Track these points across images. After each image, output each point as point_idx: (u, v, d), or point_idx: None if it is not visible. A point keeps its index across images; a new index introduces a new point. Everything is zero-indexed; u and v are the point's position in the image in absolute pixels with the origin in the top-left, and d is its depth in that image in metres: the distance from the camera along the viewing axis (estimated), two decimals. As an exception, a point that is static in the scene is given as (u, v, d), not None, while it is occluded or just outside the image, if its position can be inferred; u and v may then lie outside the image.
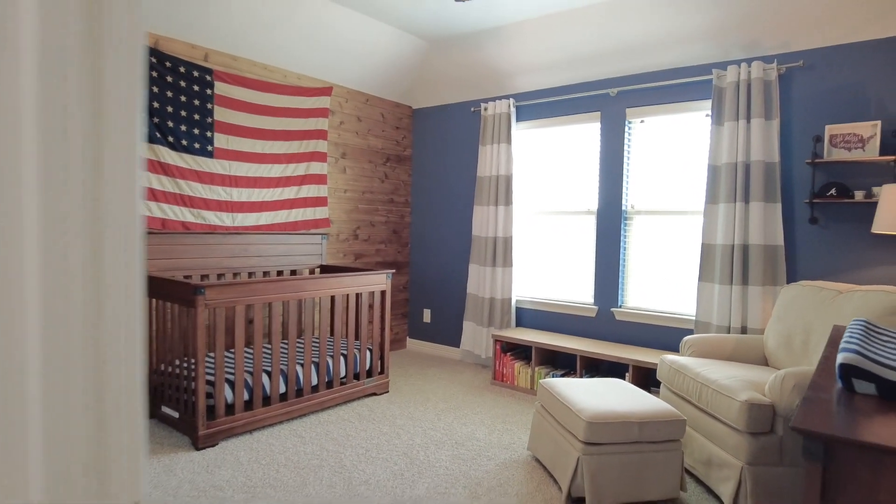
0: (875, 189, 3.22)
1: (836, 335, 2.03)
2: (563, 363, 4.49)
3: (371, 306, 4.65)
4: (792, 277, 3.58)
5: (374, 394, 4.07)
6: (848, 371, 1.34)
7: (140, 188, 0.49)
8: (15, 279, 0.41)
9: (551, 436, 2.79)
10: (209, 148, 3.88)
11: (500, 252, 4.78)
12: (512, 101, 4.74)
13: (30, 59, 0.41)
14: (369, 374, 4.06)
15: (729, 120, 3.65)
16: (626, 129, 4.29)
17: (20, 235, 0.41)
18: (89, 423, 0.46)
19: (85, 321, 0.44)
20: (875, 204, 3.27)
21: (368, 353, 4.05)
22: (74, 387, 0.45)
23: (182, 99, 3.71)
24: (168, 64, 3.64)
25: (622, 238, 4.32)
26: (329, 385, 3.77)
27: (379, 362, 4.11)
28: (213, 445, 3.08)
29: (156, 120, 3.48)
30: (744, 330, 3.60)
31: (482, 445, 3.21)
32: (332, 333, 4.54)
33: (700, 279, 3.77)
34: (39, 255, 0.41)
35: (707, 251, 3.76)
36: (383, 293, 4.13)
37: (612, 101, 4.34)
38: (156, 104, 3.48)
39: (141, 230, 0.51)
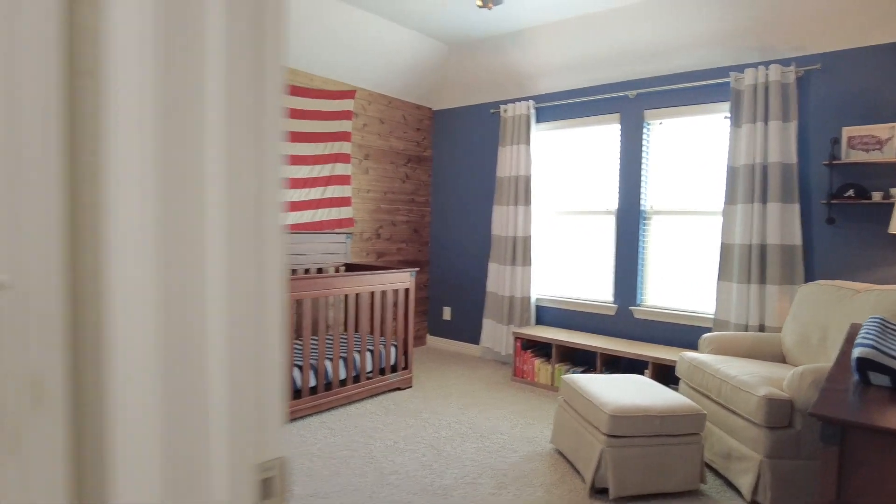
0: (893, 190, 3.28)
1: (853, 332, 2.11)
2: (582, 360, 4.58)
3: (395, 304, 4.78)
4: (809, 277, 3.65)
5: (399, 388, 4.20)
6: (864, 364, 1.43)
7: (283, 201, 0.61)
8: (201, 272, 0.53)
9: (574, 429, 2.89)
10: (240, 150, 4.02)
11: (520, 251, 4.88)
12: (532, 102, 4.83)
13: (218, 96, 0.52)
14: (394, 369, 4.18)
15: (747, 122, 3.72)
16: (645, 130, 4.37)
17: (204, 238, 0.53)
18: (254, 394, 0.58)
19: (250, 309, 0.56)
20: (892, 205, 3.33)
21: (393, 348, 4.18)
22: (246, 363, 0.57)
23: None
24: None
25: (641, 237, 4.40)
26: (356, 379, 3.90)
27: (403, 358, 4.24)
28: (248, 436, 3.22)
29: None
30: (761, 328, 3.67)
31: (506, 439, 3.32)
32: (356, 330, 4.67)
33: (719, 278, 3.85)
34: (224, 252, 0.53)
35: (726, 251, 3.83)
36: (407, 291, 4.25)
37: (630, 102, 4.42)
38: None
39: (285, 235, 0.63)
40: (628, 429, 2.56)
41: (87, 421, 0.56)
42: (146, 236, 0.52)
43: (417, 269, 4.47)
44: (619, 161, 4.49)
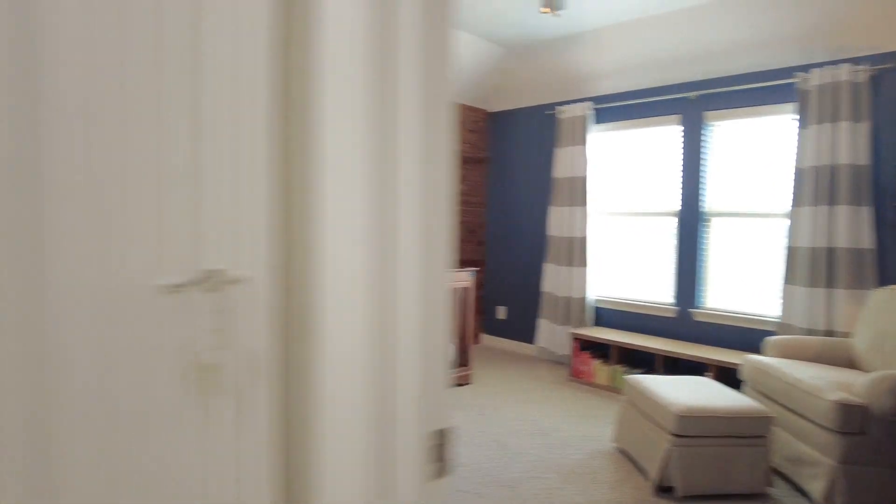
0: (973, 192, 3.18)
1: (933, 337, 2.09)
2: (641, 362, 4.58)
3: (454, 302, 4.90)
4: (883, 281, 3.56)
5: (459, 384, 4.31)
6: (951, 369, 1.45)
7: (453, 205, 0.73)
8: (394, 267, 0.65)
9: (640, 428, 2.93)
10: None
11: (577, 252, 4.92)
12: (590, 104, 4.86)
13: (410, 120, 0.64)
14: (453, 366, 4.30)
15: (814, 123, 3.65)
16: (706, 132, 4.34)
17: (397, 237, 0.65)
18: (432, 371, 0.69)
19: (432, 297, 0.67)
20: (973, 207, 3.22)
21: (452, 346, 4.30)
22: (428, 344, 0.68)
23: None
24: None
25: (701, 239, 4.37)
26: (418, 375, 4.04)
27: (463, 355, 4.35)
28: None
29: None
30: (829, 332, 3.61)
31: (568, 436, 3.38)
32: (416, 327, 4.81)
33: (785, 281, 3.80)
34: (415, 251, 0.65)
35: (792, 254, 3.78)
36: (466, 290, 4.36)
37: (691, 104, 4.39)
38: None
39: (452, 237, 0.74)
40: (695, 429, 2.60)
41: (296, 394, 0.68)
42: (352, 239, 0.64)
43: (477, 268, 4.58)
44: (680, 162, 4.47)
